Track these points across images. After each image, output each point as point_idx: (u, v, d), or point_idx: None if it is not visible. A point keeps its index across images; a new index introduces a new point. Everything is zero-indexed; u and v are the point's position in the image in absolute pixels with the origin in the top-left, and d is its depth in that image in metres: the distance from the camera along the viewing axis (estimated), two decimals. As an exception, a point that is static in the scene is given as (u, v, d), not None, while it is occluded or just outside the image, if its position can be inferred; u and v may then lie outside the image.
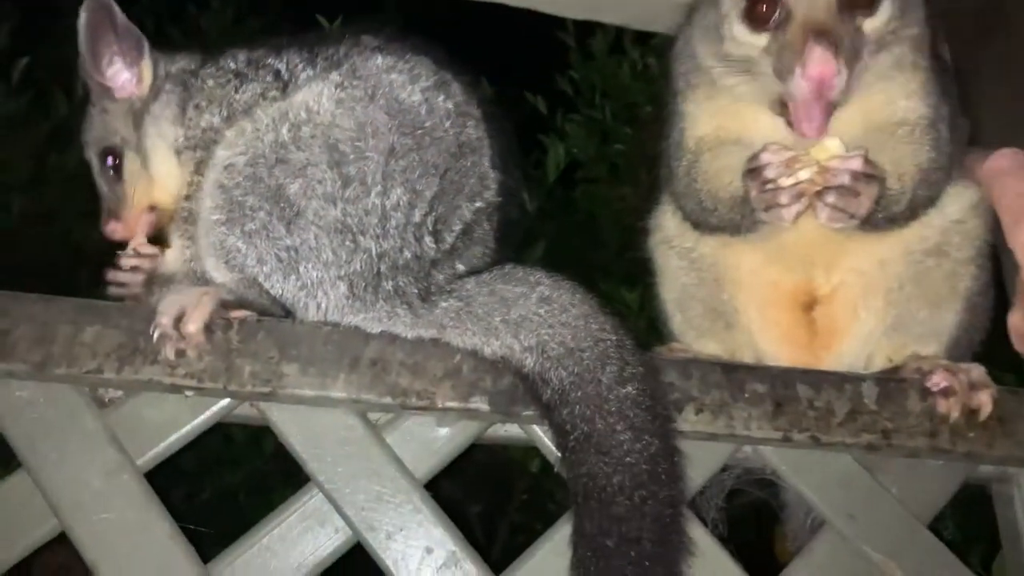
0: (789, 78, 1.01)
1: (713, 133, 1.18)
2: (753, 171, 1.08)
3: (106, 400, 1.04)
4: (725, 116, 1.16)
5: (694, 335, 1.28)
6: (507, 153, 1.19)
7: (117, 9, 1.14)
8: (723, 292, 1.25)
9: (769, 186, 1.05)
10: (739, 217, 1.14)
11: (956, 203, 1.17)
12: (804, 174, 1.05)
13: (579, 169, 3.06)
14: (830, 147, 1.05)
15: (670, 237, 1.30)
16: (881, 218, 1.11)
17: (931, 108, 1.13)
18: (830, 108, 1.03)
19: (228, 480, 2.49)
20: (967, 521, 1.79)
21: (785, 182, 1.05)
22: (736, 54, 1.10)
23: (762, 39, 1.06)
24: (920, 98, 1.13)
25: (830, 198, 1.04)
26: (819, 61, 0.97)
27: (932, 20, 1.16)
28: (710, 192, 1.17)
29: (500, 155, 1.16)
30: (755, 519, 1.47)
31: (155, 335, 0.99)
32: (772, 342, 1.24)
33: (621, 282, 2.60)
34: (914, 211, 1.14)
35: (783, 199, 1.05)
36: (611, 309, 1.04)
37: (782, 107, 1.07)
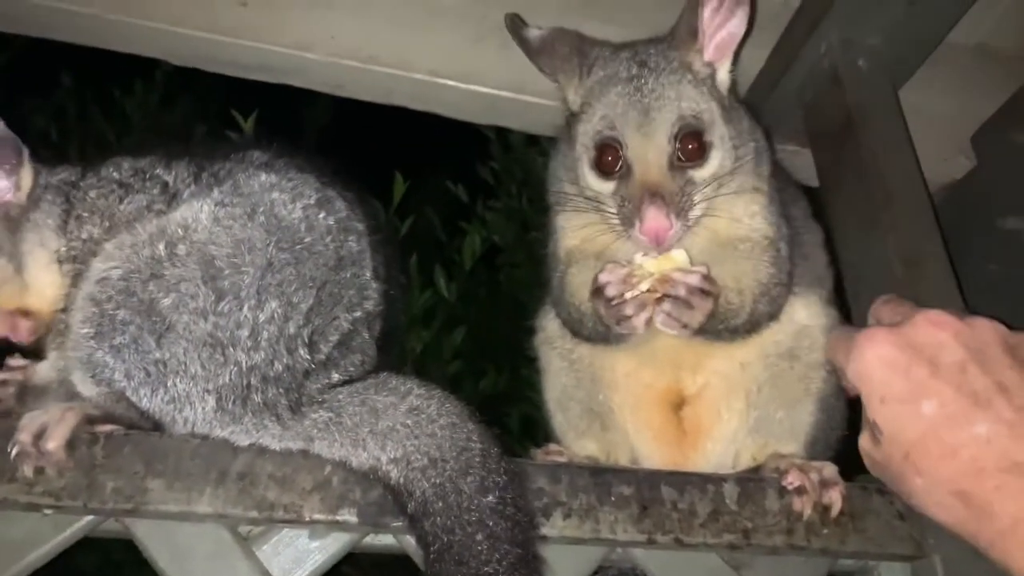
0: (630, 228, 1.12)
1: (580, 246, 1.27)
2: (596, 291, 1.16)
3: (-40, 520, 1.01)
4: (591, 228, 1.24)
5: (573, 435, 1.32)
6: (391, 262, 1.24)
7: None
8: (599, 393, 1.30)
9: (614, 302, 1.13)
10: (603, 329, 1.20)
11: (804, 310, 1.27)
12: (644, 285, 1.14)
13: (500, 255, 3.15)
14: (676, 258, 1.15)
15: (552, 338, 1.36)
16: (721, 329, 1.20)
17: (772, 227, 1.24)
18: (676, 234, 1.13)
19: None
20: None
21: (628, 295, 1.13)
22: (591, 196, 1.20)
23: (609, 186, 1.18)
24: (762, 218, 1.24)
25: (666, 306, 1.13)
26: (653, 219, 1.09)
27: (769, 148, 1.29)
28: (576, 305, 1.25)
29: (383, 265, 1.21)
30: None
31: (13, 452, 0.97)
32: (646, 442, 1.29)
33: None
34: (755, 324, 1.23)
35: (628, 311, 1.13)
36: (480, 417, 1.08)
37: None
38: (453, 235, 3.18)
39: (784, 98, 1.80)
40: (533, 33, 1.30)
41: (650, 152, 1.13)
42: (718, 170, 1.16)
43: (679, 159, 1.14)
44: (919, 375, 0.93)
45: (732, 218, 1.21)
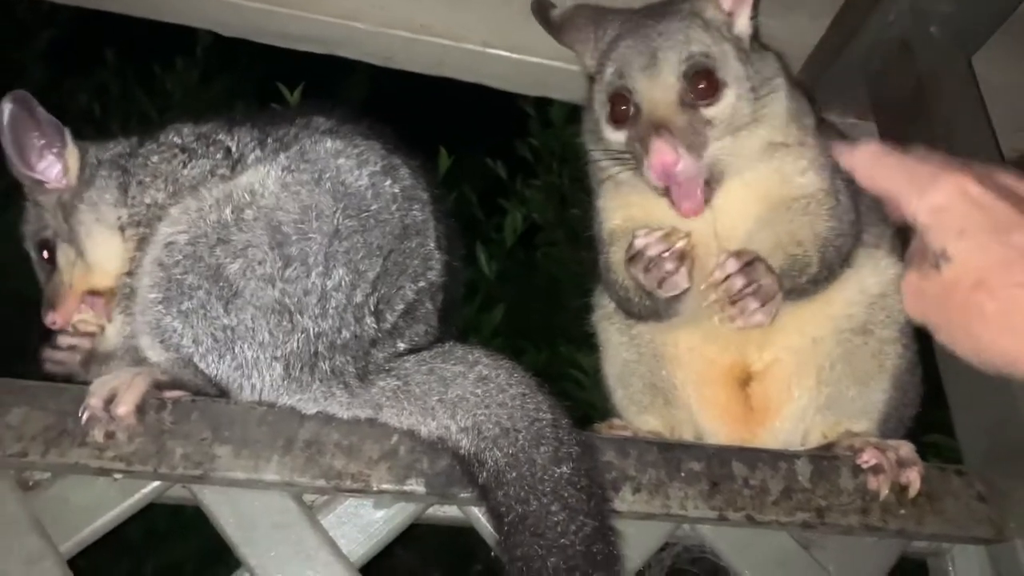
0: (643, 168, 1.10)
1: (622, 225, 1.25)
2: (633, 258, 1.14)
3: (31, 483, 1.01)
4: (630, 207, 1.23)
5: (635, 411, 1.29)
6: (453, 234, 1.22)
7: (35, 102, 1.14)
8: (662, 369, 1.28)
9: (652, 264, 1.11)
10: (650, 303, 1.18)
11: (876, 276, 1.23)
12: (680, 244, 1.12)
13: (539, 233, 3.12)
14: None
15: (610, 314, 1.34)
16: (802, 283, 1.17)
17: (825, 179, 1.20)
18: (705, 186, 1.11)
19: (175, 554, 2.39)
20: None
21: (663, 251, 1.11)
22: (609, 149, 1.19)
23: (623, 134, 1.16)
24: (813, 172, 1.20)
25: (733, 310, 1.10)
26: (658, 152, 1.07)
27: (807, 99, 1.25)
28: (621, 283, 1.23)
29: (445, 236, 1.19)
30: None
31: (84, 417, 0.97)
32: (710, 418, 1.26)
33: (582, 344, 2.62)
34: (831, 270, 1.20)
35: (668, 266, 1.11)
36: (553, 387, 1.05)
37: (665, 190, 1.12)
38: (491, 213, 3.15)
39: (846, 69, 1.74)
40: (555, 13, 1.33)
41: (656, 90, 1.12)
42: (734, 110, 1.13)
43: (690, 97, 1.12)
44: (1003, 208, 0.89)
45: (782, 178, 1.18)
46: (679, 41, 1.14)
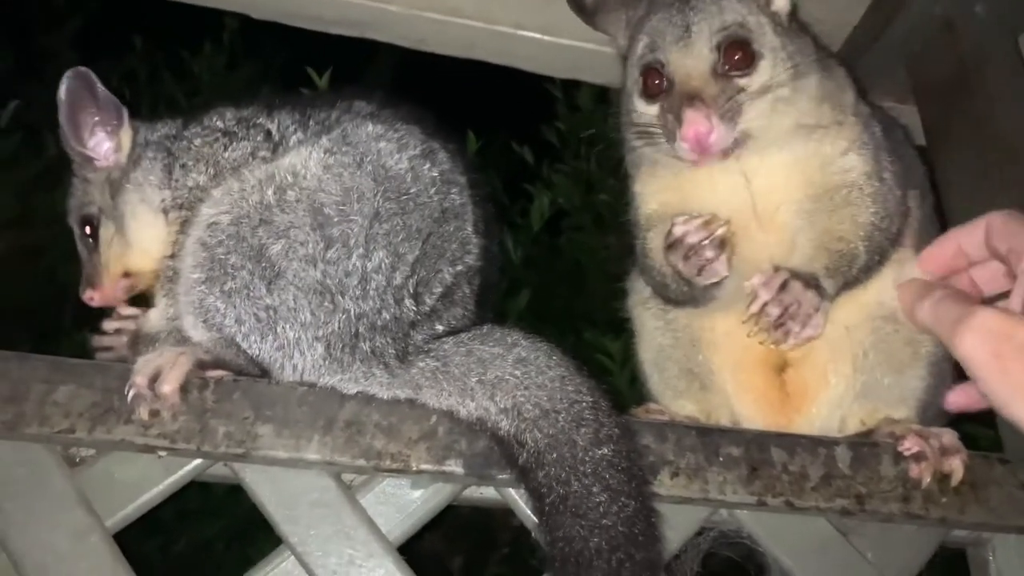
0: (675, 142, 1.08)
1: (659, 209, 1.23)
2: (672, 246, 1.12)
3: (77, 459, 1.03)
4: (668, 192, 1.21)
5: (671, 396, 1.29)
6: (489, 218, 1.21)
7: (96, 79, 1.16)
8: (698, 354, 1.27)
9: (691, 252, 1.09)
10: (688, 289, 1.17)
11: (911, 266, 1.20)
12: (720, 231, 1.11)
13: (565, 218, 3.10)
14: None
15: (646, 299, 1.32)
16: (852, 276, 1.15)
17: (869, 160, 1.18)
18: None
19: (206, 532, 2.43)
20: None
21: (703, 239, 1.10)
22: (640, 124, 1.17)
23: (655, 108, 1.14)
24: (855, 153, 1.18)
25: (778, 333, 1.08)
26: (691, 122, 1.05)
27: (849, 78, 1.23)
28: (658, 268, 1.21)
29: (483, 220, 1.19)
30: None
31: (129, 395, 0.99)
32: (747, 404, 1.25)
33: (606, 331, 2.61)
34: (882, 254, 1.18)
35: (708, 253, 1.09)
36: (588, 371, 1.05)
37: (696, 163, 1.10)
38: (516, 197, 3.13)
39: (886, 50, 1.70)
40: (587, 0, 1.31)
41: (689, 61, 1.10)
42: (770, 82, 1.10)
43: (724, 68, 1.10)
44: None
45: (822, 161, 1.16)
46: (713, 12, 1.12)
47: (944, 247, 1.16)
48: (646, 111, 1.16)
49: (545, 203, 2.87)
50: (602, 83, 2.04)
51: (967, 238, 1.15)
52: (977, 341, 0.87)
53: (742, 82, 1.10)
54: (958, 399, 1.05)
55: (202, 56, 3.27)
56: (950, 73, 1.55)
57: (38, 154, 2.78)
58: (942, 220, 1.40)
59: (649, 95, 1.15)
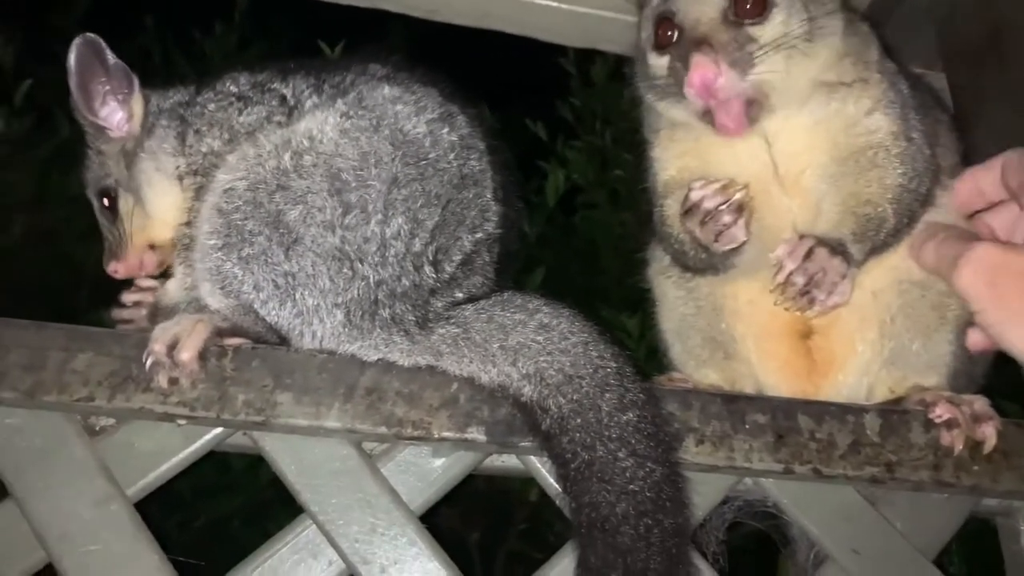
0: (684, 89, 1.04)
1: (678, 175, 1.20)
2: (689, 211, 1.10)
3: (97, 428, 1.03)
4: (687, 157, 1.18)
5: (694, 365, 1.26)
6: (508, 185, 1.19)
7: (105, 46, 1.13)
8: (721, 322, 1.24)
9: (708, 217, 1.06)
10: (706, 255, 1.14)
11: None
12: (739, 196, 1.08)
13: (579, 195, 3.07)
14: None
15: (667, 268, 1.30)
16: (880, 241, 1.12)
17: (896, 119, 1.14)
18: (749, 106, 1.06)
19: (224, 507, 2.45)
20: (973, 555, 1.75)
21: (721, 204, 1.07)
22: (654, 78, 1.14)
23: (665, 59, 1.11)
24: (881, 113, 1.14)
25: (804, 301, 1.05)
26: (697, 66, 1.02)
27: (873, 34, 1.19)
28: (676, 235, 1.18)
29: (502, 187, 1.16)
30: (757, 553, 1.44)
31: (148, 363, 0.98)
32: (771, 372, 1.23)
33: (621, 308, 2.59)
34: (912, 216, 1.14)
35: (726, 218, 1.07)
36: (611, 336, 1.03)
37: (706, 114, 1.08)
38: (530, 174, 3.10)
39: (912, 13, 1.66)
40: None
41: (697, 7, 1.07)
42: (784, 32, 1.06)
43: (734, 15, 1.06)
44: None
45: (846, 121, 1.12)
46: None
47: (961, 186, 1.13)
48: (657, 63, 1.13)
49: (560, 180, 2.84)
50: (618, 51, 2.00)
51: (984, 176, 1.12)
52: (974, 273, 0.87)
53: (754, 31, 1.06)
54: (978, 338, 1.04)
55: (214, 36, 3.25)
56: (981, 38, 1.51)
57: (52, 135, 2.78)
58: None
59: (660, 46, 1.12)
